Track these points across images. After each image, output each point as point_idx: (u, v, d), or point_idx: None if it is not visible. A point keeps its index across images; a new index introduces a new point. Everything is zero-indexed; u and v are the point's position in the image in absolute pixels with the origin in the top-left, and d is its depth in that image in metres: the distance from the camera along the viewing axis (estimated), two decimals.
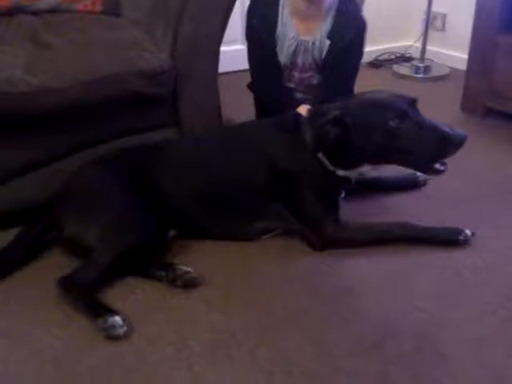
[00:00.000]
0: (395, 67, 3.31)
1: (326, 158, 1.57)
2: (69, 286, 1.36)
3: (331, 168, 1.58)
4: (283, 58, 1.98)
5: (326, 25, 1.93)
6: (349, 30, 1.92)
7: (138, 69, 1.66)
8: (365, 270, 1.51)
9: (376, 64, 3.41)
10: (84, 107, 1.61)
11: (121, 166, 1.57)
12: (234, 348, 1.25)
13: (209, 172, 1.62)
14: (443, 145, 1.45)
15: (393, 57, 3.47)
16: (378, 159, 1.57)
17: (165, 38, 1.79)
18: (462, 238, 1.59)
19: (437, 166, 1.58)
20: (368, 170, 1.63)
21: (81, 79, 1.56)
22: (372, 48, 3.43)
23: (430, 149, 1.47)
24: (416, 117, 1.49)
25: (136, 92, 1.67)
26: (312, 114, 1.63)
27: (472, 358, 1.22)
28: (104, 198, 1.50)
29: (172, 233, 1.60)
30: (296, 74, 2.04)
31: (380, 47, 3.48)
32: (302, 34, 1.95)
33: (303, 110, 1.76)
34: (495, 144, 2.30)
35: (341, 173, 1.59)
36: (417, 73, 3.20)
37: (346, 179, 1.62)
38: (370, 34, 3.40)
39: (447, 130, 1.45)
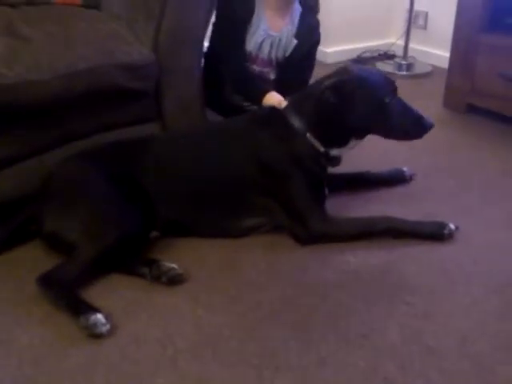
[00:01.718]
0: (378, 64, 3.32)
1: (315, 140, 1.59)
2: (49, 282, 1.32)
3: (322, 149, 1.60)
4: (251, 46, 2.02)
5: (292, 26, 2.04)
6: (312, 36, 2.08)
7: (119, 62, 1.62)
8: (351, 265, 1.51)
9: (360, 61, 3.42)
10: (64, 100, 1.56)
11: (104, 161, 1.54)
12: (221, 344, 1.23)
13: (195, 168, 1.60)
14: (418, 125, 1.60)
15: (376, 54, 3.48)
16: (364, 133, 1.63)
17: (146, 31, 1.75)
18: (446, 231, 1.59)
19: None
20: (354, 146, 1.66)
21: (60, 71, 1.52)
22: (356, 45, 3.44)
23: (407, 127, 1.60)
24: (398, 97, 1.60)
25: (117, 85, 1.64)
26: (294, 99, 1.66)
27: (458, 350, 1.22)
28: (86, 192, 1.47)
29: (154, 234, 1.57)
30: (256, 68, 2.07)
31: (363, 45, 3.48)
32: (271, 28, 2.01)
33: (272, 100, 1.82)
34: (478, 140, 2.32)
35: (334, 152, 1.62)
36: (400, 70, 3.22)
37: (335, 159, 1.65)
38: (353, 32, 3.44)
39: (420, 113, 1.61)
